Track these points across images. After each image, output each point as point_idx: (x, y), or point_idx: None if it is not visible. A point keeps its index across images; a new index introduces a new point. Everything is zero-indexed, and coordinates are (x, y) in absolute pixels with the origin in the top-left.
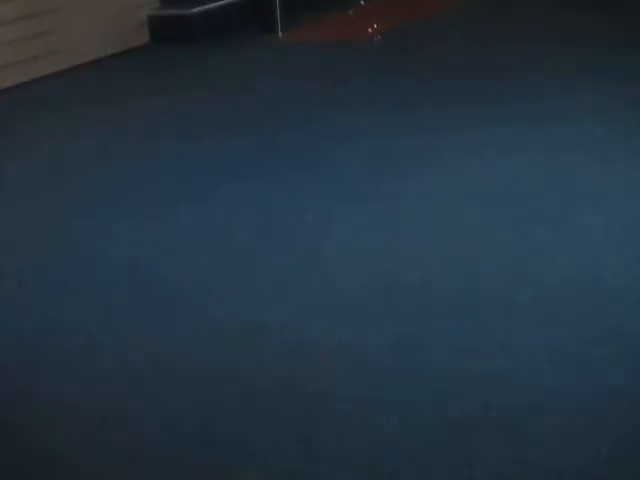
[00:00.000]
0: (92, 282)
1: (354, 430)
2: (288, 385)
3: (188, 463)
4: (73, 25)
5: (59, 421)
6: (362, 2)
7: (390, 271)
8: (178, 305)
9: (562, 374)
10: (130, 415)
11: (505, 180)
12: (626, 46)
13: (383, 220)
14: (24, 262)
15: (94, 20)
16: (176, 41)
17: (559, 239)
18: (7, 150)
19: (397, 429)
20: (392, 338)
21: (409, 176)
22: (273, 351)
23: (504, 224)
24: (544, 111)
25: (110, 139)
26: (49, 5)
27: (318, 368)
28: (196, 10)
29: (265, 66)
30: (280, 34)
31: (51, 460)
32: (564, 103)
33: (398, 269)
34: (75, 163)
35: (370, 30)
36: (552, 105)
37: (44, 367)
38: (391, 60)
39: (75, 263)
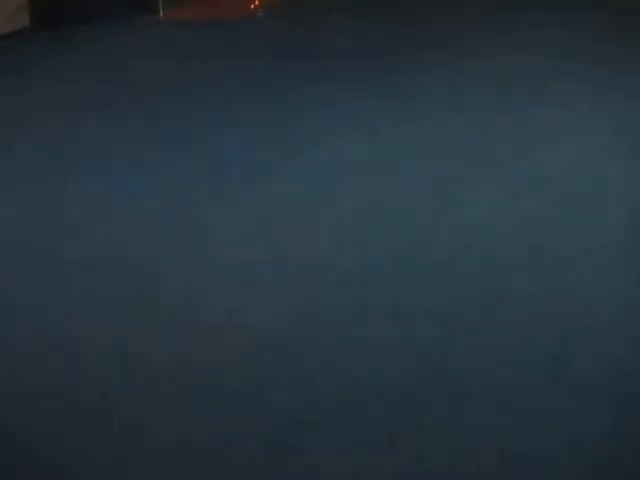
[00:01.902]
0: None
1: (245, 402)
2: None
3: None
4: None
5: None
6: None
7: (281, 246)
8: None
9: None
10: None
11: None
12: None
13: (271, 197)
14: None
15: None
16: (57, 24)
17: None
18: None
19: (293, 402)
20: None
21: (297, 153)
22: (167, 328)
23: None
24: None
25: None
26: None
27: (213, 344)
28: None
29: (141, 47)
30: (161, 13)
31: None
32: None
33: (287, 246)
34: None
35: (252, 7)
36: None
37: None
38: (274, 37)
39: None
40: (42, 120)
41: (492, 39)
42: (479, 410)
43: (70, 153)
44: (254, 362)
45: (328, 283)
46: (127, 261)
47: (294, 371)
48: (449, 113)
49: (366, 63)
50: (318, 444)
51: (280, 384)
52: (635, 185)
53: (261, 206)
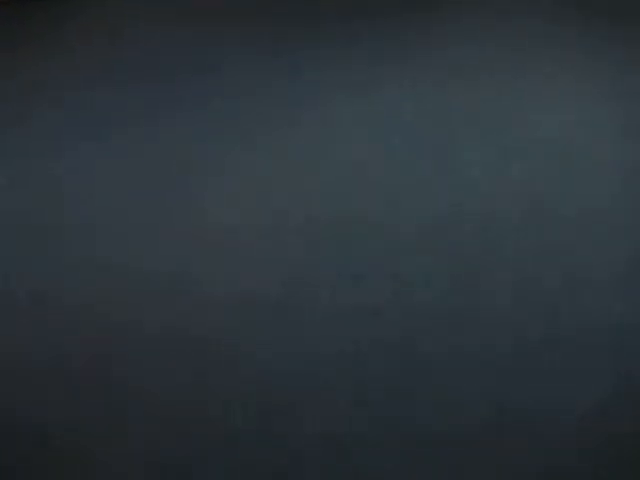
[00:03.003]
0: None
1: (240, 365)
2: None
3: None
4: None
5: None
6: None
7: (276, 210)
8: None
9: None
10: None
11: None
12: None
13: (268, 160)
14: None
15: None
16: None
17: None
18: None
19: (277, 364)
20: (281, 275)
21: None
22: (155, 294)
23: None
24: None
25: None
26: None
27: (205, 310)
28: None
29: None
30: None
31: None
32: None
33: (283, 210)
34: None
35: None
36: None
37: None
38: None
39: None
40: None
41: None
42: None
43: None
44: (251, 325)
45: (325, 247)
46: (125, 225)
47: (291, 332)
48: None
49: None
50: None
51: (275, 345)
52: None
53: (259, 171)
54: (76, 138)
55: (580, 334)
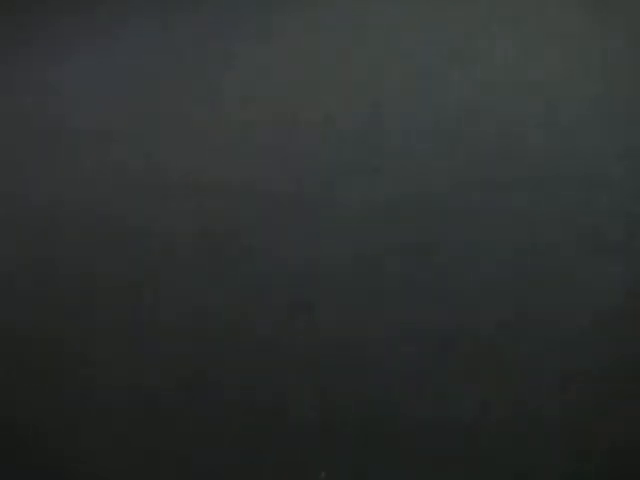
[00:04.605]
0: None
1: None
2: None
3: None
4: None
5: None
6: None
7: (290, 106)
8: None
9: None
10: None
11: None
12: None
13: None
14: None
15: None
16: None
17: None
18: None
19: (294, 261)
20: (293, 174)
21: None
22: (172, 193)
23: None
24: None
25: None
26: None
27: (222, 204)
28: None
29: None
30: None
31: None
32: None
33: (296, 106)
34: None
35: None
36: None
37: None
38: None
39: None
40: None
41: None
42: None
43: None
44: (268, 222)
45: (338, 143)
46: (140, 126)
47: (307, 230)
48: None
49: None
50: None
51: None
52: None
53: (271, 67)
54: (87, 35)
55: (599, 231)
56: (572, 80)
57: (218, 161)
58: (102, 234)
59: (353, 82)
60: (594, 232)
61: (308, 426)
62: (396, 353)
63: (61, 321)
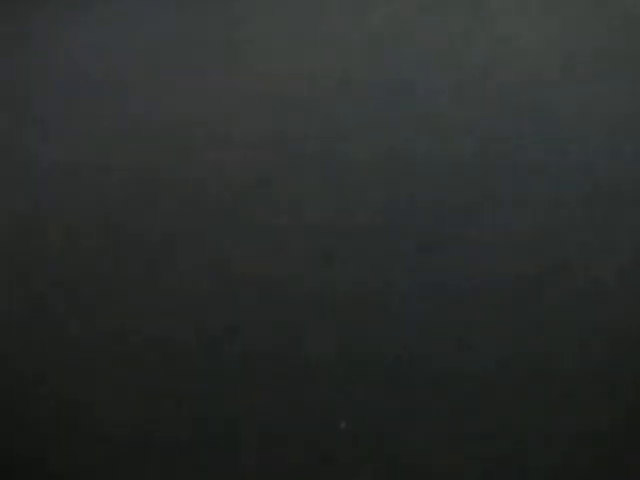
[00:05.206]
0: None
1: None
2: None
3: None
4: None
5: None
6: None
7: (310, 61)
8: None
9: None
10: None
11: None
12: None
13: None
14: None
15: None
16: None
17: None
18: None
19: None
20: (315, 127)
21: None
22: (200, 142)
23: None
24: None
25: None
26: None
27: (244, 157)
28: None
29: None
30: None
31: None
32: None
33: (317, 59)
34: None
35: None
36: None
37: None
38: None
39: None
40: None
41: None
42: None
43: None
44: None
45: (358, 95)
46: (158, 76)
47: (328, 182)
48: None
49: None
50: None
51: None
52: None
53: (293, 20)
54: None
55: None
56: (589, 33)
57: (236, 113)
58: (122, 186)
59: (369, 35)
60: (611, 184)
61: (327, 375)
62: (413, 305)
63: (77, 272)
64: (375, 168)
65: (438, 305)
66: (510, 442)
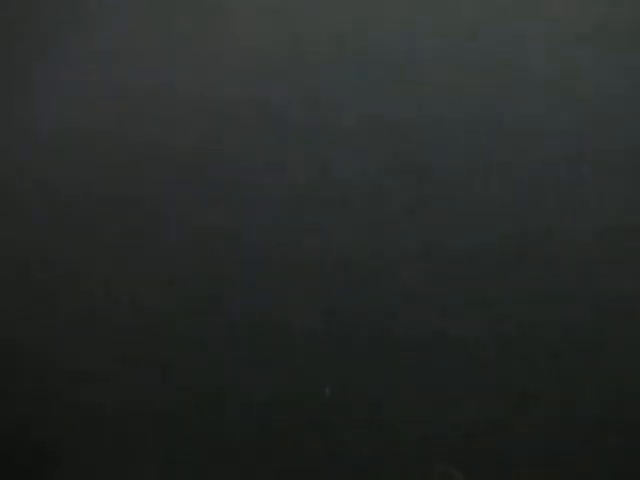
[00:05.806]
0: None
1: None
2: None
3: None
4: None
5: None
6: None
7: (297, 25)
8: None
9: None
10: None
11: None
12: None
13: None
14: None
15: None
16: None
17: None
18: None
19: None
20: (299, 95)
21: None
22: (185, 110)
23: None
24: None
25: None
26: None
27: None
28: None
29: None
30: None
31: None
32: None
33: (304, 24)
34: None
35: None
36: None
37: None
38: None
39: None
40: None
41: None
42: None
43: None
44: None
45: (343, 61)
46: (143, 44)
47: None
48: None
49: None
50: None
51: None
52: None
53: None
54: None
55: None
56: None
57: (226, 80)
58: (107, 153)
59: (354, 3)
60: (595, 150)
61: (311, 342)
62: (398, 272)
63: (60, 241)
64: (359, 134)
65: (423, 270)
66: (493, 406)
